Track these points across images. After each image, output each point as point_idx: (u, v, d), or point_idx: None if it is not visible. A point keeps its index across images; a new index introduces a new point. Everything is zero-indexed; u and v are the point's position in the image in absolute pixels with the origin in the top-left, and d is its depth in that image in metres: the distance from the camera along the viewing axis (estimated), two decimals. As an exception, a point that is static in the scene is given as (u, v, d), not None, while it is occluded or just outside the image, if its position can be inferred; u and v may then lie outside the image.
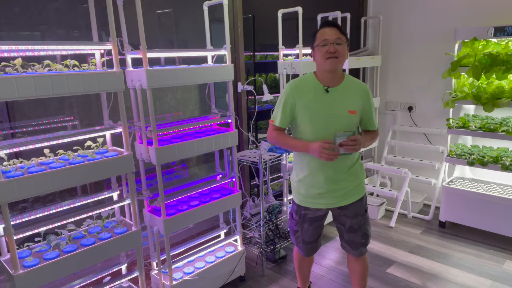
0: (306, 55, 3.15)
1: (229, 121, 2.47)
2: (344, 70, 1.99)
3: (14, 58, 1.69)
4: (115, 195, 2.21)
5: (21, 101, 2.31)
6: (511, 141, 3.24)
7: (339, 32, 1.82)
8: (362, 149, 1.95)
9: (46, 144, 1.79)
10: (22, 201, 2.26)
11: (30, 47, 1.68)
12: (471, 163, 3.15)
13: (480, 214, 3.18)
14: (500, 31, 2.92)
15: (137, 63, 2.06)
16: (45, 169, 1.74)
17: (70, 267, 1.83)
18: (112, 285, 2.18)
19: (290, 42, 3.09)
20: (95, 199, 2.09)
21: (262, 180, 2.73)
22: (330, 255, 3.03)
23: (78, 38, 2.49)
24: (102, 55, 1.99)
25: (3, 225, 1.71)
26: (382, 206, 3.74)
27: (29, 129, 2.35)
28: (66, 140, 1.86)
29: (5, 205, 1.63)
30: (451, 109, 3.39)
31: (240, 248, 2.67)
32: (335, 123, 1.86)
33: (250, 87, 2.70)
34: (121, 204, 2.15)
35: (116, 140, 2.11)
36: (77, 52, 1.93)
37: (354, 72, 4.08)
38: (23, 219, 1.82)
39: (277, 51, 3.09)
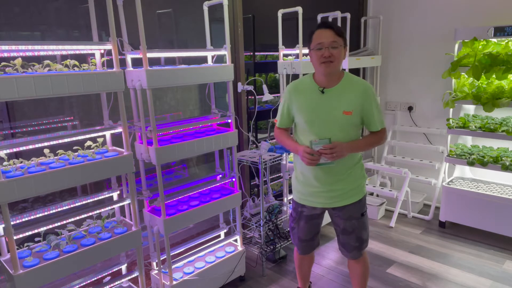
0: (306, 55, 3.14)
1: (229, 121, 2.47)
2: (343, 70, 1.98)
3: (14, 58, 1.69)
4: (115, 195, 2.21)
5: (21, 101, 2.31)
6: (511, 141, 3.24)
7: (335, 35, 1.79)
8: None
9: (46, 144, 1.79)
10: (22, 201, 2.26)
11: (30, 47, 1.68)
12: (471, 163, 3.15)
13: (480, 214, 3.18)
14: (500, 31, 2.92)
15: (137, 63, 2.06)
16: (45, 169, 1.74)
17: (70, 267, 1.83)
18: (112, 285, 2.18)
19: (290, 42, 3.09)
20: (95, 199, 2.09)
21: (262, 180, 2.73)
22: (330, 255, 3.03)
23: (78, 38, 2.49)
24: (102, 55, 1.99)
25: (3, 225, 1.71)
26: (382, 206, 3.74)
27: (29, 129, 2.34)
28: (66, 140, 1.86)
29: (5, 205, 1.63)
30: (451, 109, 3.39)
31: (240, 248, 2.67)
32: (330, 124, 1.86)
33: (250, 87, 2.70)
34: (121, 204, 2.15)
35: (116, 140, 2.11)
36: (77, 52, 1.93)
37: (354, 72, 4.04)
38: (23, 219, 1.82)
39: (277, 51, 3.09)
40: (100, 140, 2.04)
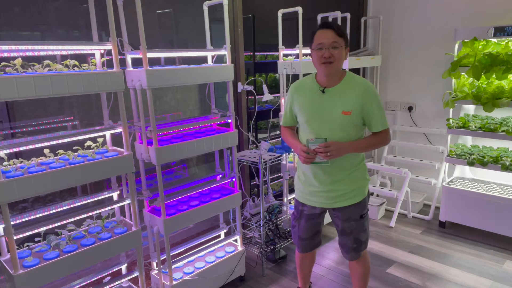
0: (306, 55, 3.15)
1: (229, 121, 2.47)
2: (346, 69, 1.98)
3: (14, 58, 1.69)
4: (115, 195, 2.21)
5: (21, 101, 2.31)
6: (511, 141, 3.23)
7: (336, 35, 1.79)
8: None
9: (46, 144, 1.79)
10: (22, 201, 2.26)
11: (30, 47, 1.67)
12: (471, 163, 3.15)
13: (480, 214, 3.18)
14: (500, 31, 2.92)
15: (137, 63, 2.06)
16: (45, 169, 1.74)
17: (70, 267, 1.83)
18: (112, 285, 2.18)
19: (290, 42, 3.09)
20: (95, 199, 2.09)
21: (262, 180, 2.73)
22: (330, 255, 3.03)
23: (78, 38, 2.49)
24: (102, 55, 1.99)
25: (3, 225, 1.71)
26: (382, 206, 3.74)
27: (29, 129, 2.34)
28: (66, 140, 1.86)
29: (5, 205, 1.63)
30: (451, 109, 3.39)
31: (240, 248, 2.67)
32: (329, 124, 1.86)
33: (250, 87, 2.70)
34: (121, 204, 2.15)
35: (116, 140, 2.11)
36: (77, 52, 1.93)
37: (354, 72, 4.06)
38: (23, 219, 1.82)
39: (277, 51, 3.09)
40: (100, 140, 2.04)
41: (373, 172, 4.19)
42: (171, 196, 2.30)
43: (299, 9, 2.88)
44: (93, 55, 1.99)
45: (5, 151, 1.71)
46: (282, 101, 3.06)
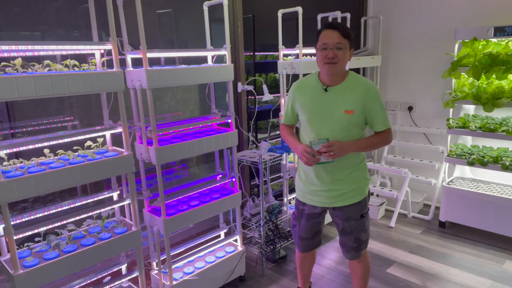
0: (306, 55, 3.15)
1: (229, 121, 2.47)
2: (349, 70, 1.98)
3: (14, 58, 1.69)
4: (115, 195, 2.21)
5: (21, 101, 2.31)
6: (511, 141, 3.23)
7: (341, 36, 1.79)
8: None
9: (46, 144, 1.79)
10: (22, 201, 2.26)
11: (30, 47, 1.67)
12: (471, 163, 3.15)
13: (480, 214, 3.18)
14: (500, 31, 2.92)
15: (137, 63, 2.06)
16: (45, 169, 1.74)
17: (70, 267, 1.83)
18: (112, 285, 2.18)
19: (290, 42, 3.08)
20: (95, 199, 2.09)
21: (262, 180, 2.73)
22: (330, 255, 3.03)
23: (78, 38, 2.49)
24: (102, 55, 1.99)
25: (3, 225, 1.71)
26: (382, 206, 3.74)
27: (29, 129, 2.34)
28: (66, 140, 1.86)
29: (5, 205, 1.63)
30: (451, 109, 3.39)
31: (240, 248, 2.67)
32: (331, 123, 1.86)
33: (250, 87, 2.70)
34: (121, 204, 2.15)
35: (116, 140, 2.11)
36: (77, 52, 1.93)
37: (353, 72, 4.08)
38: (23, 219, 1.82)
39: (277, 51, 3.09)
40: (100, 140, 2.04)
41: (373, 172, 4.19)
42: (171, 196, 2.30)
43: (299, 9, 2.88)
44: (93, 55, 1.99)
45: (5, 151, 1.71)
46: (282, 101, 3.06)
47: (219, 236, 2.80)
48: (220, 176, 2.66)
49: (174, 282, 2.27)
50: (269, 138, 3.48)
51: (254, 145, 3.07)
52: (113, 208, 2.18)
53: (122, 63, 1.96)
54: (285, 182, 3.21)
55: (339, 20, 3.31)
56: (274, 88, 3.56)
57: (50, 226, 1.87)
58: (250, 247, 2.95)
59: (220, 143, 2.39)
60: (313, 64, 3.00)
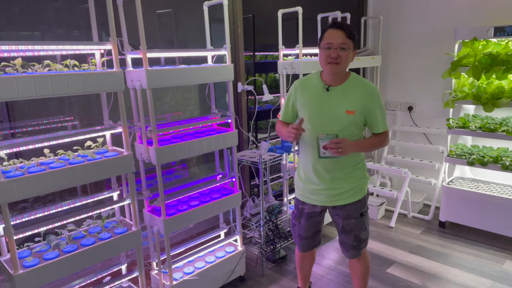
0: (306, 55, 3.15)
1: (229, 121, 2.47)
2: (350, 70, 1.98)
3: (14, 58, 1.69)
4: (115, 195, 2.21)
5: (21, 101, 2.31)
6: (511, 141, 3.23)
7: (346, 36, 1.79)
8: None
9: (46, 144, 1.79)
10: (22, 201, 2.26)
11: (30, 47, 1.68)
12: (471, 163, 3.15)
13: (480, 214, 3.18)
14: (500, 31, 2.92)
15: (137, 63, 2.06)
16: (45, 169, 1.74)
17: (70, 267, 1.83)
18: (112, 285, 2.18)
19: (290, 42, 3.08)
20: (95, 199, 2.09)
21: (262, 180, 2.73)
22: (330, 255, 3.03)
23: (78, 38, 2.49)
24: (102, 55, 1.99)
25: (3, 225, 1.71)
26: (382, 206, 3.74)
27: (29, 129, 2.34)
28: (66, 140, 1.86)
29: (5, 205, 1.63)
30: (451, 109, 3.39)
31: (240, 248, 2.67)
32: (332, 122, 1.87)
33: (250, 87, 2.70)
34: (121, 204, 2.15)
35: (116, 140, 2.11)
36: (77, 52, 1.93)
37: (354, 72, 4.08)
38: (23, 219, 1.82)
39: (277, 51, 3.09)
40: (100, 140, 2.04)
41: (373, 172, 4.19)
42: (171, 196, 2.30)
43: (299, 9, 2.88)
44: (93, 55, 1.99)
45: (5, 151, 1.71)
46: (282, 101, 3.06)
47: (219, 236, 2.80)
48: (220, 176, 2.66)
49: (174, 282, 2.27)
50: (269, 138, 3.48)
51: (254, 145, 3.07)
52: (113, 208, 2.18)
53: (122, 63, 1.96)
54: (285, 182, 3.21)
55: (339, 20, 3.31)
56: (274, 88, 3.56)
57: (50, 226, 1.87)
58: (250, 247, 2.95)
59: (220, 143, 2.39)
60: (313, 64, 3.00)
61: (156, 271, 2.37)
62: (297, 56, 3.00)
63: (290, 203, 3.29)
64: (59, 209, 1.91)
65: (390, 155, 4.10)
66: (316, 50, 3.27)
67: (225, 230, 2.78)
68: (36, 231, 1.82)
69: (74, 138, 1.90)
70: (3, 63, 1.68)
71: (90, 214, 2.02)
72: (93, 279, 2.12)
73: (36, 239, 1.90)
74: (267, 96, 2.78)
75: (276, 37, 3.06)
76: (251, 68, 3.36)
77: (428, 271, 2.77)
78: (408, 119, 4.01)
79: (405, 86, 3.99)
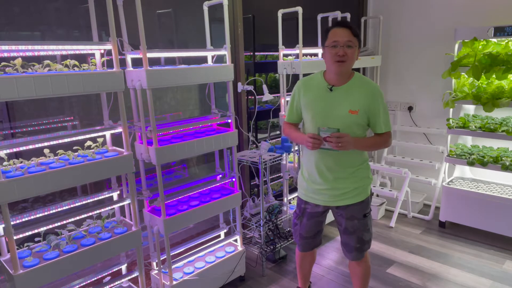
0: (306, 55, 3.14)
1: (229, 121, 2.47)
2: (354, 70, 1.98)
3: (14, 58, 1.69)
4: (115, 195, 2.21)
5: (21, 101, 2.31)
6: (511, 141, 3.23)
7: (351, 35, 1.79)
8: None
9: (46, 144, 1.79)
10: (22, 201, 2.26)
11: (30, 47, 1.68)
12: (471, 163, 3.15)
13: (480, 214, 3.18)
14: (500, 31, 2.92)
15: (137, 63, 2.06)
16: (45, 169, 1.74)
17: (70, 267, 1.83)
18: (112, 285, 2.18)
19: (290, 42, 3.08)
20: (95, 199, 2.09)
21: (262, 180, 2.73)
22: (330, 255, 3.03)
23: (78, 38, 2.49)
24: (102, 55, 1.99)
25: (3, 225, 1.71)
26: (382, 206, 3.74)
27: (29, 129, 2.34)
28: (66, 140, 1.86)
29: (5, 205, 1.63)
30: (451, 109, 3.39)
31: (240, 248, 2.67)
32: (335, 122, 1.86)
33: (250, 87, 2.70)
34: (121, 204, 2.15)
35: (116, 140, 2.11)
36: (77, 52, 1.93)
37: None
38: (23, 219, 1.82)
39: (277, 51, 3.09)
40: (100, 140, 2.04)
41: (373, 172, 4.19)
42: (171, 196, 2.30)
43: (299, 9, 2.88)
44: (93, 55, 1.99)
45: (5, 151, 1.71)
46: (282, 101, 3.06)
47: (219, 236, 2.80)
48: (220, 176, 2.66)
49: (174, 282, 2.27)
50: (269, 138, 3.48)
51: (254, 145, 3.07)
52: (113, 208, 2.18)
53: (122, 63, 1.96)
54: (285, 182, 3.20)
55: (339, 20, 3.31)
56: (274, 88, 3.56)
57: (50, 226, 1.87)
58: (250, 247, 2.95)
59: (220, 143, 2.39)
60: (313, 64, 3.00)
61: (156, 271, 2.37)
62: (297, 56, 3.00)
63: (290, 203, 3.29)
64: (59, 209, 1.91)
65: (390, 155, 4.10)
66: (316, 50, 3.27)
67: (225, 230, 2.78)
68: (36, 231, 1.82)
69: (74, 138, 1.90)
70: (3, 63, 1.68)
71: (90, 214, 2.02)
72: (93, 279, 2.12)
73: (36, 239, 1.90)
74: (267, 96, 2.78)
75: (276, 37, 3.06)
76: (251, 68, 3.36)
77: (428, 271, 2.77)
78: (408, 119, 4.01)
79: (405, 86, 3.99)
